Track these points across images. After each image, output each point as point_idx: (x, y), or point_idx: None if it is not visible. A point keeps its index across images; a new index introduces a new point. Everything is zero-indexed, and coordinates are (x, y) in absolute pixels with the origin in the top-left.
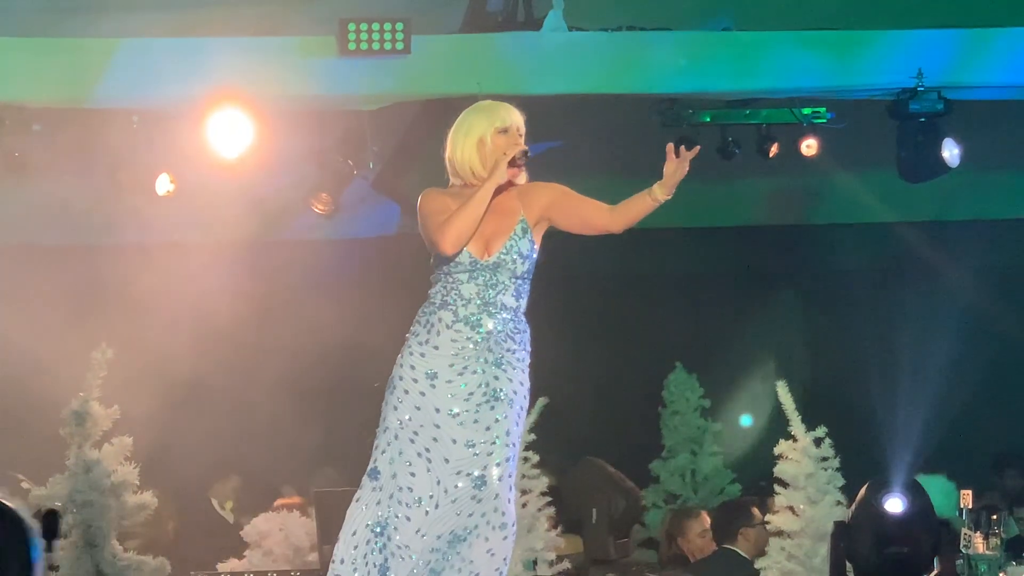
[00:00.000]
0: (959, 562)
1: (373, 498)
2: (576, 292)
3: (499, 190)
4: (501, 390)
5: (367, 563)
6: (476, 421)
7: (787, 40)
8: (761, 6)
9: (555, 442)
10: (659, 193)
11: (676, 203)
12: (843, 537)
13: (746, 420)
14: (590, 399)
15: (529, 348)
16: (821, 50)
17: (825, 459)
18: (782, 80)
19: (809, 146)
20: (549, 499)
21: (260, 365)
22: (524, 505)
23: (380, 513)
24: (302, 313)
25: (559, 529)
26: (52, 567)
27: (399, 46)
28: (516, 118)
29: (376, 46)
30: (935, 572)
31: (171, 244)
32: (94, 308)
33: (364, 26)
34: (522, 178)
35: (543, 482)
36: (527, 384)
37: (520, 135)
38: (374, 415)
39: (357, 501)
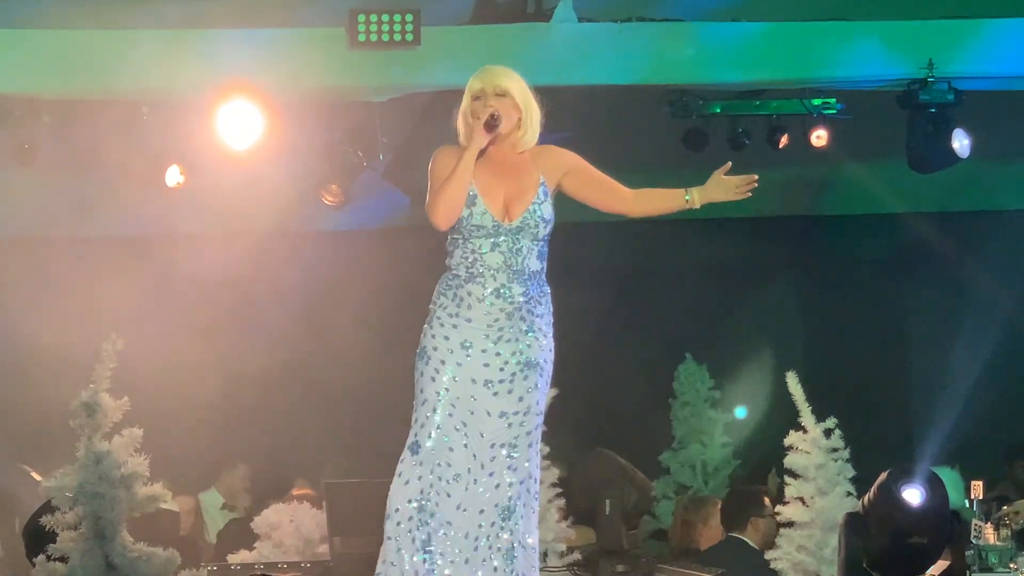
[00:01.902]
0: (969, 553)
1: (414, 473)
2: (586, 284)
3: (513, 153)
4: (534, 358)
5: (412, 539)
6: (511, 391)
7: (797, 31)
8: None
9: (566, 433)
10: (696, 198)
11: None
12: (856, 528)
13: (740, 412)
14: (600, 390)
15: (551, 308)
16: (831, 41)
17: (835, 450)
18: (792, 71)
19: (819, 137)
20: (560, 490)
21: (270, 355)
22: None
23: (422, 488)
24: (311, 304)
25: (570, 520)
26: (62, 559)
27: (408, 37)
28: (491, 81)
29: (386, 37)
30: (947, 563)
31: (181, 235)
32: (104, 299)
33: (374, 17)
34: (524, 141)
35: (554, 473)
36: (553, 349)
37: (499, 96)
38: (386, 406)
39: (399, 476)
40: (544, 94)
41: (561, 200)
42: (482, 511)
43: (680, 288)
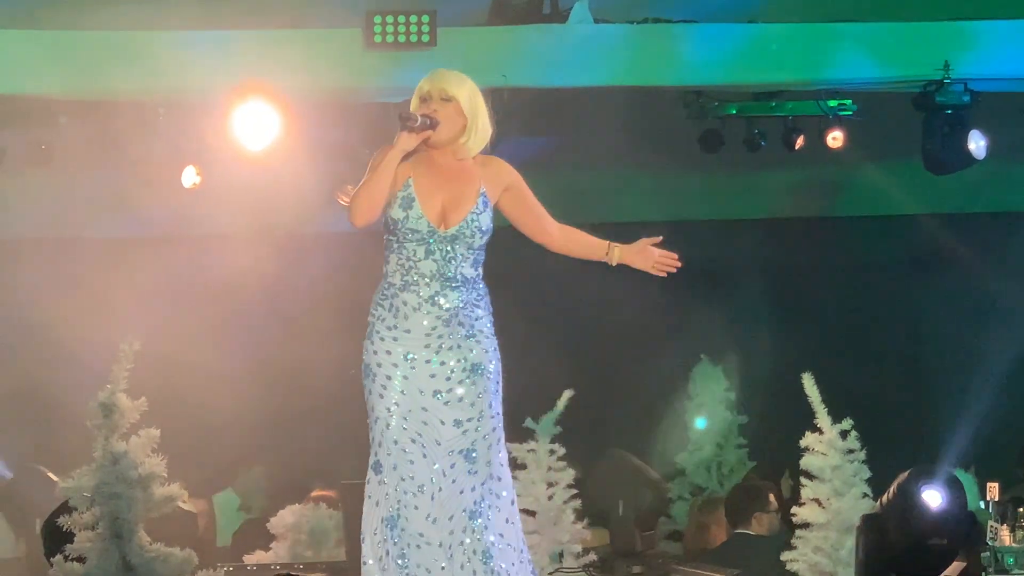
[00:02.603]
0: (985, 554)
1: (381, 492)
2: (601, 285)
3: (456, 159)
4: (479, 363)
5: (389, 555)
6: (461, 399)
7: (813, 32)
8: None
9: (581, 434)
10: (616, 256)
11: (702, 195)
12: (874, 529)
13: (701, 423)
14: (616, 391)
15: (491, 308)
16: (847, 42)
17: (851, 451)
18: (808, 72)
19: (835, 138)
20: (575, 491)
21: (287, 356)
22: (550, 498)
23: (390, 505)
24: (327, 305)
25: (585, 521)
26: (79, 559)
27: (425, 38)
28: (438, 85)
29: (402, 38)
30: (963, 565)
31: (197, 236)
32: (120, 300)
33: (390, 18)
34: (467, 148)
35: (569, 474)
36: (498, 350)
37: (444, 100)
38: None
39: (369, 499)
40: (560, 95)
41: (583, 199)
42: (451, 518)
43: (695, 289)
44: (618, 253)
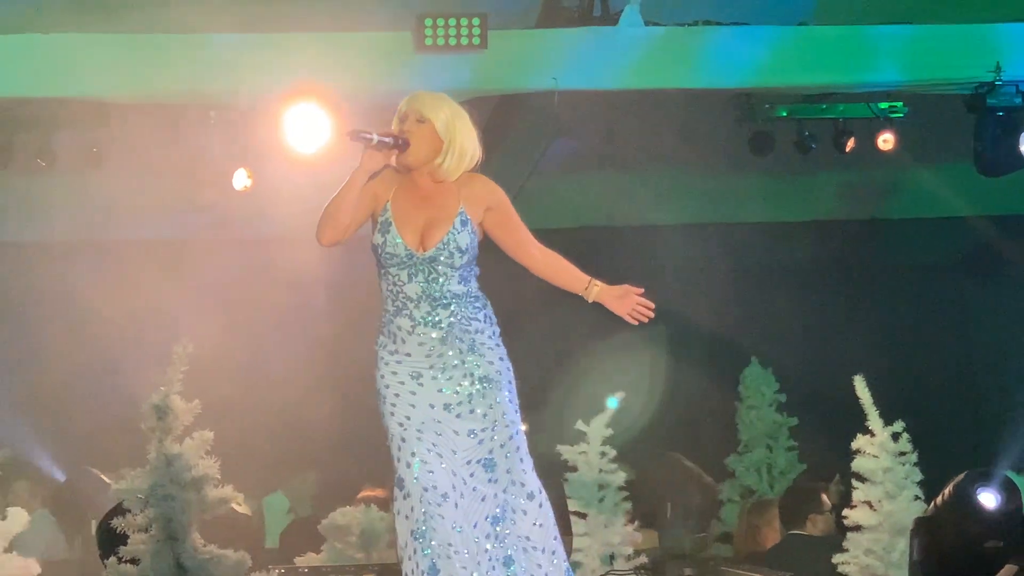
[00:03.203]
0: None
1: (407, 505)
2: (651, 287)
3: (432, 181)
4: (487, 375)
5: (419, 568)
6: (472, 411)
7: (864, 34)
8: (837, 1)
9: (632, 437)
10: (593, 293)
11: (753, 197)
12: (928, 531)
13: (612, 403)
14: (667, 394)
15: (494, 318)
16: (898, 44)
17: (903, 454)
18: (859, 74)
19: (885, 140)
20: (626, 494)
21: (339, 357)
22: (601, 500)
23: (416, 518)
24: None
25: (636, 524)
26: (133, 560)
27: (476, 41)
28: (414, 106)
29: (453, 41)
30: (1015, 569)
31: (249, 239)
32: (174, 302)
33: (441, 21)
34: (443, 170)
35: (620, 477)
36: (506, 358)
37: (419, 122)
38: None
39: (398, 514)
40: (610, 98)
41: (633, 202)
42: (475, 525)
43: (746, 291)
44: (597, 292)
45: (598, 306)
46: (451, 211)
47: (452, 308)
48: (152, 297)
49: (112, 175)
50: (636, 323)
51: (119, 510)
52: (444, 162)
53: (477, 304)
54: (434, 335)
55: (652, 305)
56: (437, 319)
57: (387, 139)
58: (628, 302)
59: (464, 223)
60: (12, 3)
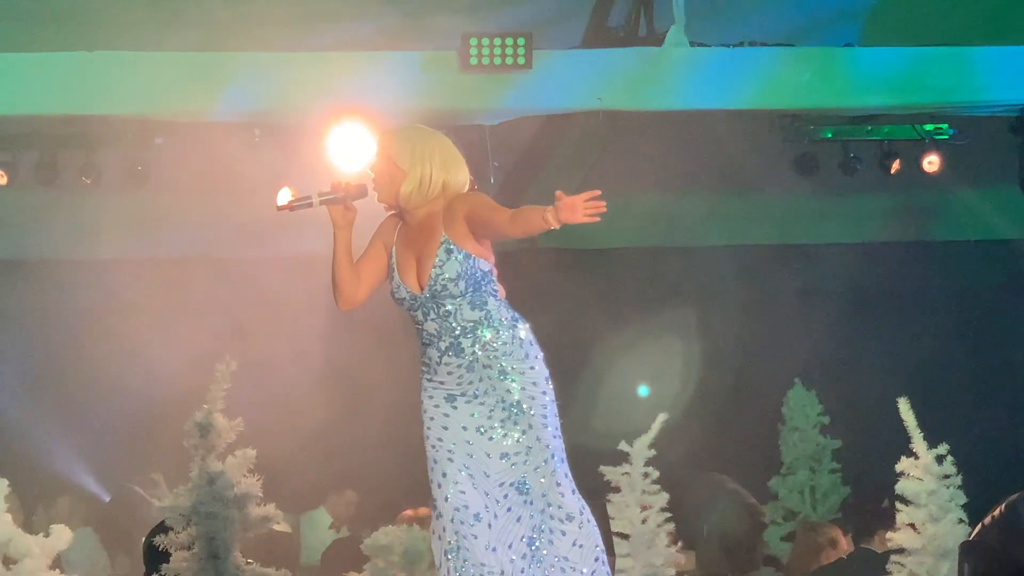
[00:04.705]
0: None
1: (439, 525)
2: (696, 309)
3: (417, 216)
4: (519, 401)
5: None
6: (505, 435)
7: (909, 56)
8: (884, 22)
9: (675, 458)
10: (552, 220)
11: (798, 219)
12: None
13: (643, 391)
14: (710, 415)
15: (528, 337)
16: (943, 66)
17: (947, 476)
18: (904, 96)
19: (931, 162)
20: (669, 515)
21: (384, 377)
22: (644, 521)
23: (450, 539)
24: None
25: (679, 545)
26: None
27: (520, 61)
28: (378, 143)
29: (498, 61)
30: None
31: (292, 257)
32: (217, 320)
33: (486, 41)
34: (410, 201)
35: (663, 497)
36: (540, 378)
37: (383, 158)
38: None
39: (432, 534)
40: (655, 118)
41: (677, 222)
42: (510, 546)
43: (790, 313)
44: (553, 216)
45: (636, 327)
46: (435, 243)
47: (475, 335)
48: (195, 314)
49: (156, 193)
50: (598, 219)
51: (162, 528)
52: (403, 190)
53: (502, 326)
54: (460, 364)
55: (597, 192)
56: (460, 349)
57: (331, 195)
58: (579, 211)
59: (449, 251)
60: (59, 22)
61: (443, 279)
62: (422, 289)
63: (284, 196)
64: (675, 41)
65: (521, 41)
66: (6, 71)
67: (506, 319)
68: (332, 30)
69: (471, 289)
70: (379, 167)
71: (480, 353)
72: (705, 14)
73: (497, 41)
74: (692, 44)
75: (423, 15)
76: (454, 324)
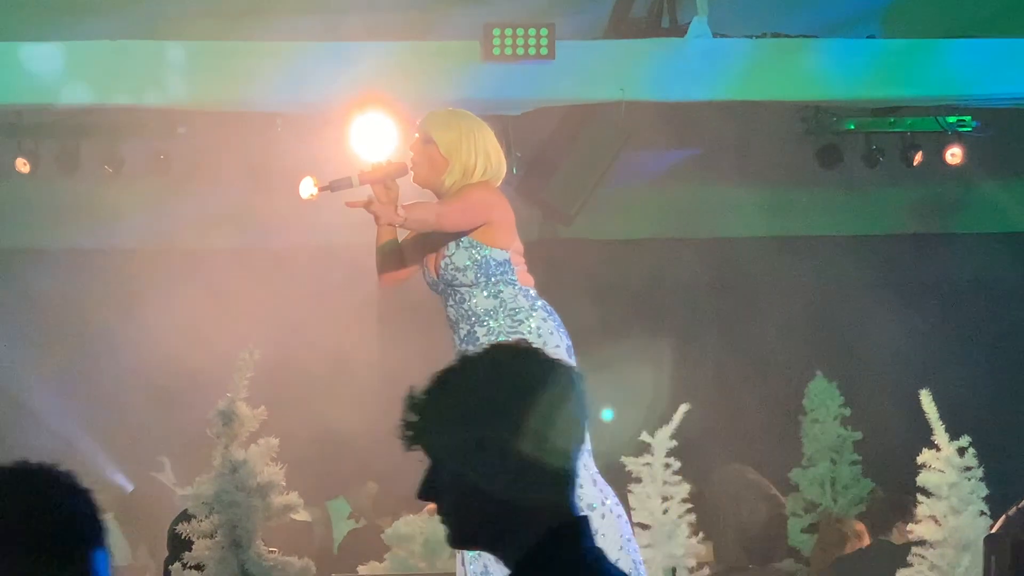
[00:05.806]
0: None
1: None
2: (717, 300)
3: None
4: None
5: (474, 571)
6: None
7: (932, 48)
8: (907, 14)
9: (697, 449)
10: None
11: (820, 210)
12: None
13: (607, 415)
14: (731, 406)
15: (550, 326)
16: (967, 58)
17: (969, 469)
18: (927, 88)
19: (954, 154)
20: (690, 506)
21: (406, 367)
22: (665, 511)
23: None
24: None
25: (700, 536)
26: (198, 567)
27: (543, 51)
28: (422, 126)
29: (520, 51)
30: None
31: (315, 247)
32: (239, 309)
33: (509, 31)
34: (446, 191)
35: (684, 488)
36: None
37: (424, 142)
38: None
39: None
40: (678, 109)
41: (699, 213)
42: None
43: (811, 304)
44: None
45: (659, 316)
46: (450, 233)
47: (489, 325)
48: (217, 304)
49: (179, 182)
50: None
51: (184, 516)
52: (446, 181)
53: (518, 316)
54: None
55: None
56: (476, 337)
57: (372, 174)
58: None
59: (458, 243)
60: (81, 11)
61: (452, 268)
62: (437, 276)
63: (307, 185)
64: (698, 32)
65: (544, 32)
66: (28, 60)
67: (523, 309)
68: (355, 19)
69: (483, 278)
70: (419, 149)
71: (497, 340)
72: (728, 5)
73: (520, 31)
74: (715, 35)
75: (446, 5)
76: (469, 311)
